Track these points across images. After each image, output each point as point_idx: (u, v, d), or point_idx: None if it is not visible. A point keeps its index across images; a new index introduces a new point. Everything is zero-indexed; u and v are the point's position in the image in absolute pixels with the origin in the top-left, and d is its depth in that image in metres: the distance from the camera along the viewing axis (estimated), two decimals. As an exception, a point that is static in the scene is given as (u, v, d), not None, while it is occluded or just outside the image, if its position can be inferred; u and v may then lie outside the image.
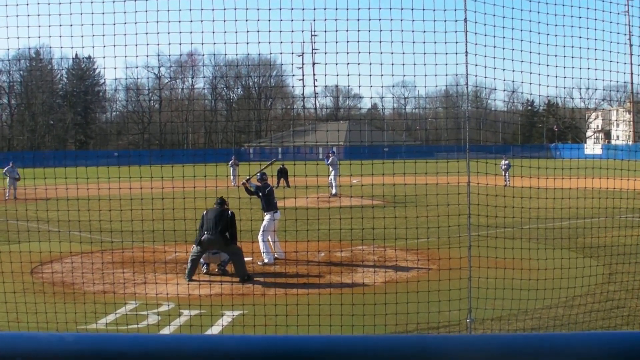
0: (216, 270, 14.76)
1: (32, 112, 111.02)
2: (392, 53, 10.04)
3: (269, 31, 10.08)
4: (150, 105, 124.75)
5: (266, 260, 15.69)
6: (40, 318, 10.29)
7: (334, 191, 33.20)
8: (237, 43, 10.15)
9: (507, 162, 38.76)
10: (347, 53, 10.09)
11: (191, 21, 9.89)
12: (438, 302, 10.28)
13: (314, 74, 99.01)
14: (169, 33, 10.10)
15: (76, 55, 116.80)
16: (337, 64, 10.19)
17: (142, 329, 10.58)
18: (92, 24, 9.97)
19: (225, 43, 10.12)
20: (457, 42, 9.95)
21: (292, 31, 10.32)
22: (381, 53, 10.01)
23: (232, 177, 41.06)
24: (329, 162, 33.75)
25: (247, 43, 10.34)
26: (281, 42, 10.20)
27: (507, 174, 38.21)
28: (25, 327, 9.98)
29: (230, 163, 43.84)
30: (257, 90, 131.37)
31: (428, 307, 10.18)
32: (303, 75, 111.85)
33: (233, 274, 14.58)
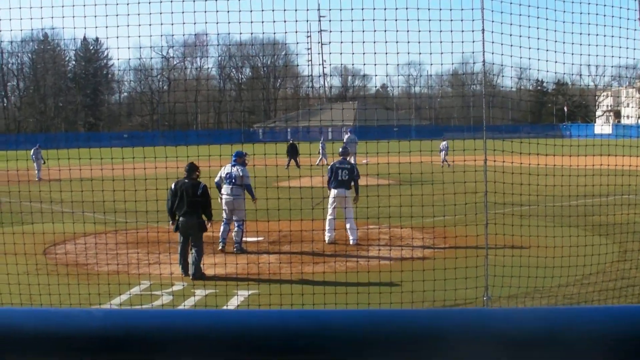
0: (233, 250, 14.69)
1: (42, 94, 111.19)
2: (407, 31, 9.98)
3: (284, 9, 10.03)
4: (160, 87, 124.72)
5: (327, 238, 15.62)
6: (54, 298, 10.33)
7: None
8: (252, 22, 10.09)
9: (445, 143, 37.33)
10: (363, 32, 10.03)
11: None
12: (454, 280, 10.25)
13: (321, 53, 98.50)
14: (183, 12, 10.08)
15: (84, 37, 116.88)
16: (352, 42, 10.14)
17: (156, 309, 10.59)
18: (106, 4, 9.95)
19: (240, 22, 10.08)
20: (473, 20, 9.88)
21: (302, 10, 10.27)
22: (397, 31, 9.96)
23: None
24: (345, 140, 32.80)
25: (261, 22, 10.28)
26: (296, 21, 10.16)
27: (444, 156, 37.43)
28: (38, 307, 9.99)
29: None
30: (265, 70, 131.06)
31: (444, 284, 10.15)
32: (311, 55, 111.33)
33: (249, 252, 14.57)
